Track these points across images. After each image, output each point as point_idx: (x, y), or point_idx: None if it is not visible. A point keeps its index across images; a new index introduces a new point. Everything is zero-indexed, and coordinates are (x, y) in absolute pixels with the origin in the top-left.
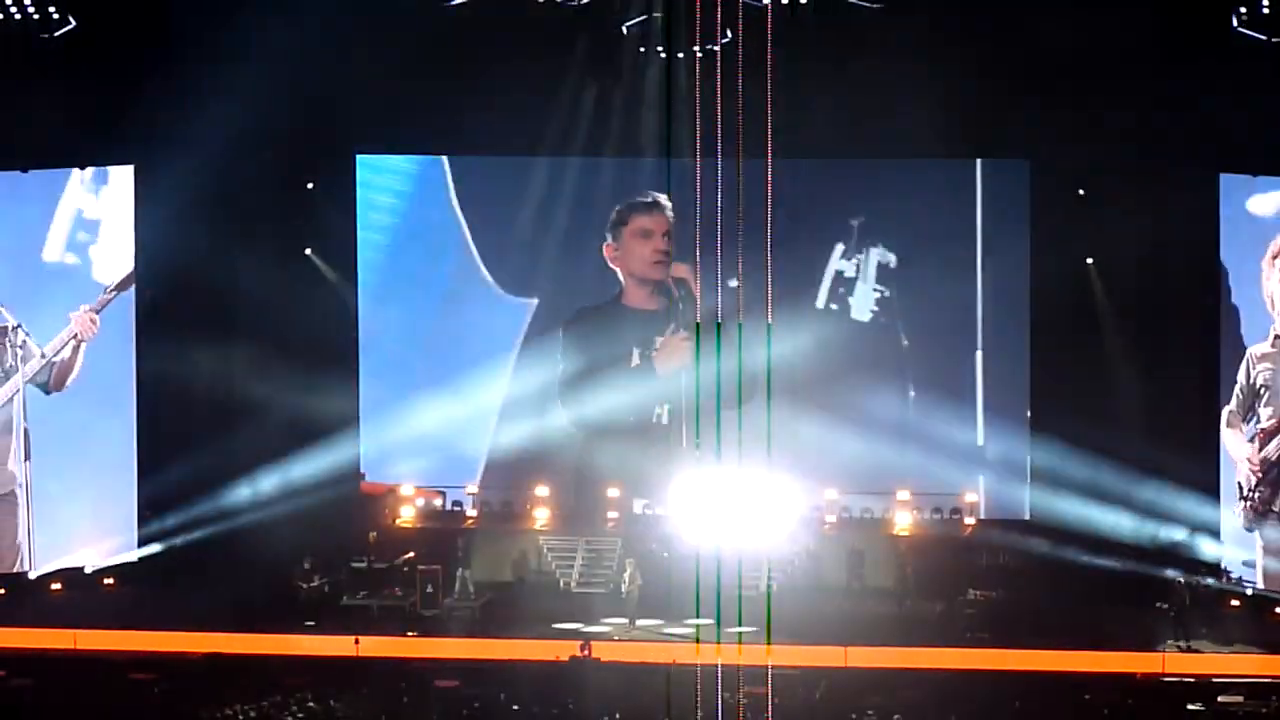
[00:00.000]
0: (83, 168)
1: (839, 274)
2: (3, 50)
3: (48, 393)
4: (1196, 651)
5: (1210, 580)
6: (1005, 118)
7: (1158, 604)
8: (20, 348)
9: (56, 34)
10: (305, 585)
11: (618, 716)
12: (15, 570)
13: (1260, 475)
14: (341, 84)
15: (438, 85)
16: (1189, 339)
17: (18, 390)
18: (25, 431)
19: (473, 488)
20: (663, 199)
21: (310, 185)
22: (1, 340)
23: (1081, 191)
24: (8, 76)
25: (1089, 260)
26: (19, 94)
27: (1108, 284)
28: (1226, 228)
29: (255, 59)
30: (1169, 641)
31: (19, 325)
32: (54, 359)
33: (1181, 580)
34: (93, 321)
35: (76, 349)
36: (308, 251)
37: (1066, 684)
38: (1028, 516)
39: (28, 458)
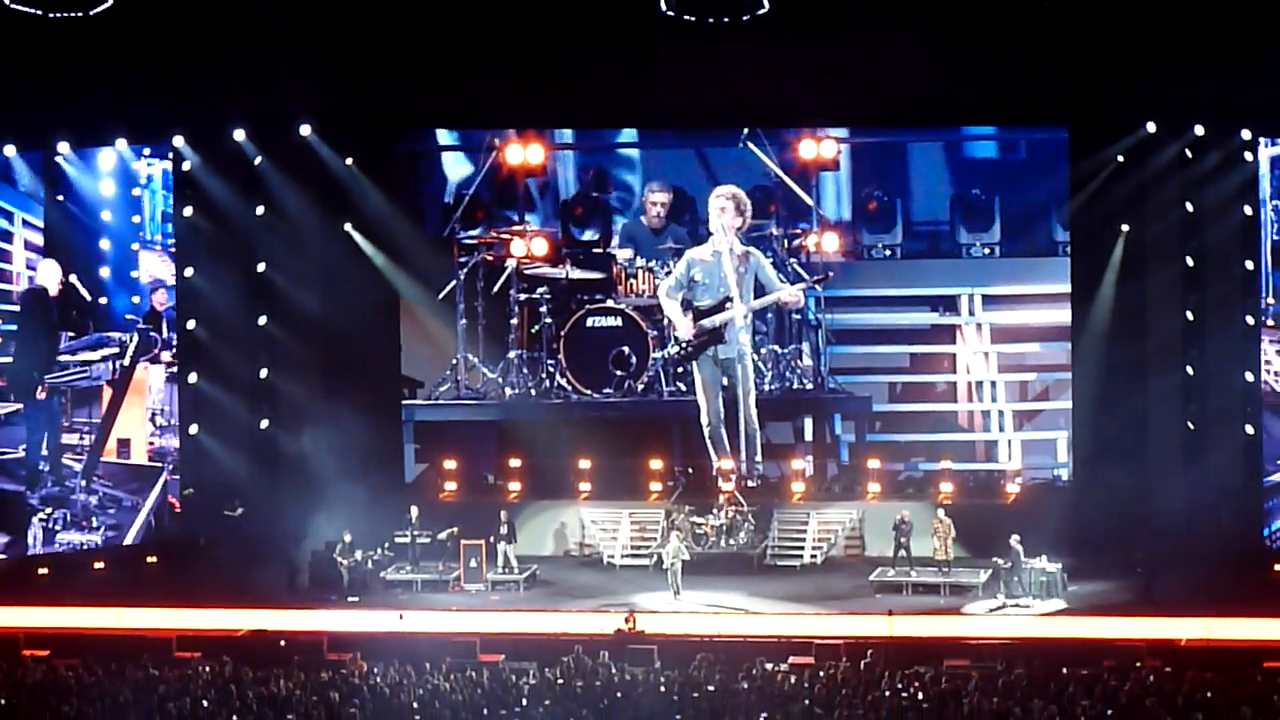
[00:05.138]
0: (131, 145)
1: None
2: (45, 28)
3: None
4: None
5: None
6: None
7: (995, 560)
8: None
9: (93, 11)
10: (348, 560)
11: (661, 688)
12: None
13: None
14: (384, 57)
15: (483, 59)
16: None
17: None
18: None
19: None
20: None
21: (349, 160)
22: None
23: (1121, 159)
24: (51, 54)
25: (1124, 227)
26: (60, 71)
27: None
28: None
29: (294, 33)
30: (998, 595)
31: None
32: None
33: (1016, 537)
34: None
35: None
36: (347, 226)
37: (1115, 651)
38: (1068, 480)
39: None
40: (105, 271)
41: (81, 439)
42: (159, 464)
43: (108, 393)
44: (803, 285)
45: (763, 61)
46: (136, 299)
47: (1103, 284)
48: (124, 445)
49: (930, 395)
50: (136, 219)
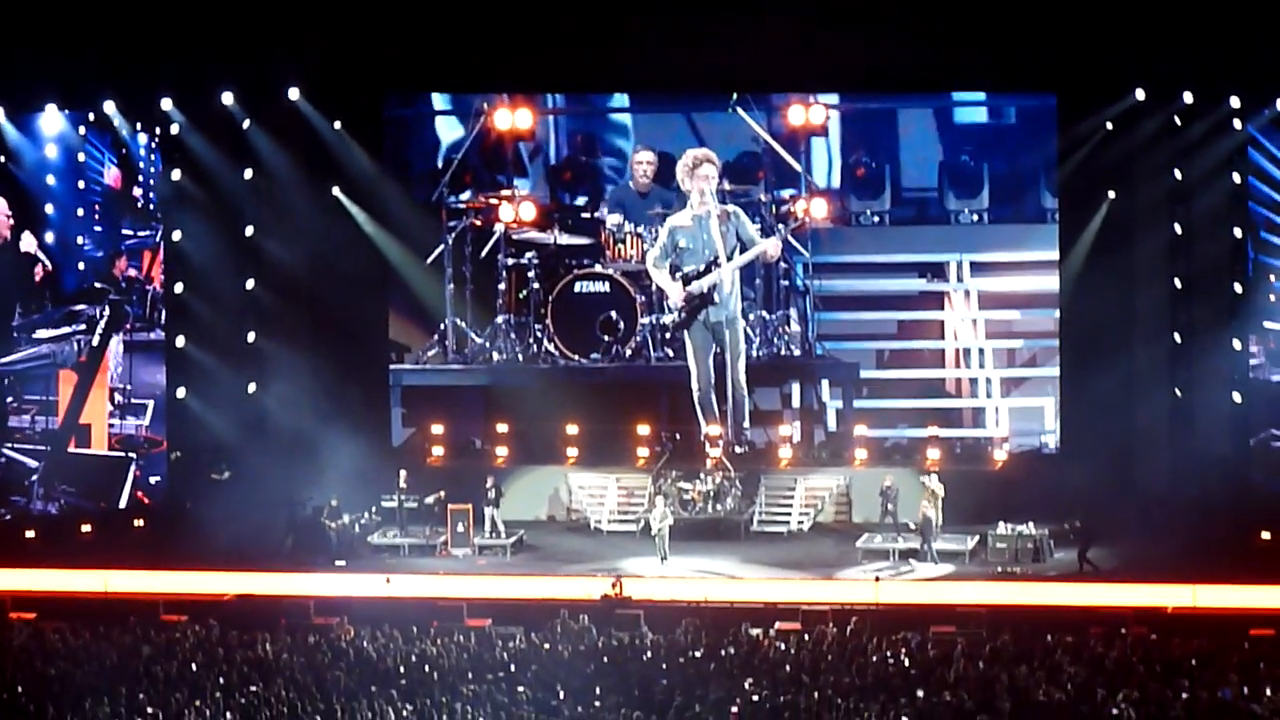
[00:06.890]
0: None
1: None
2: None
3: None
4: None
5: None
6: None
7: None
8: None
9: None
10: (335, 524)
11: (647, 653)
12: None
13: None
14: (373, 21)
15: (471, 22)
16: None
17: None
18: None
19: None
20: None
21: (338, 124)
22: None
23: (1109, 126)
24: (39, 17)
25: (1110, 194)
26: (48, 34)
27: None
28: None
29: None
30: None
31: None
32: None
33: (926, 503)
34: None
35: None
36: (335, 191)
37: (1101, 617)
38: (1055, 447)
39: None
40: (50, 238)
41: (33, 421)
42: (125, 454)
43: (67, 377)
44: (778, 235)
45: (751, 26)
46: (81, 265)
47: (1090, 251)
48: (82, 431)
49: (918, 361)
50: (81, 185)
